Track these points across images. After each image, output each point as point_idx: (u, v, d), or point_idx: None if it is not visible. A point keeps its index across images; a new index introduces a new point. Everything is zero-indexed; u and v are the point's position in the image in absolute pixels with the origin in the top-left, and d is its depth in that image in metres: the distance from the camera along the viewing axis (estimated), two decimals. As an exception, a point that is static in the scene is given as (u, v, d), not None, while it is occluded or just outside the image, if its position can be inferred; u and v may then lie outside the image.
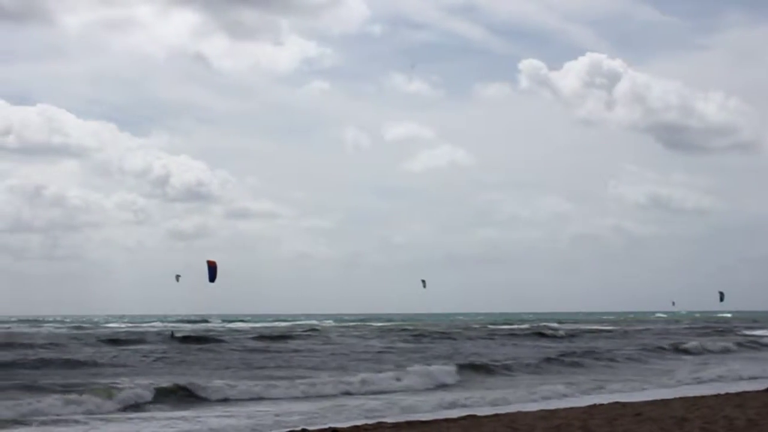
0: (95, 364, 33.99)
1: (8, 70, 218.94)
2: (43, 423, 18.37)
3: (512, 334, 65.09)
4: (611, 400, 21.27)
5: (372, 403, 21.91)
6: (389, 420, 17.99)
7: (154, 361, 36.04)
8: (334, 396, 24.43)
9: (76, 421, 18.78)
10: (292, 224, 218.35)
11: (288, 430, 16.68)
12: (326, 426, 17.05)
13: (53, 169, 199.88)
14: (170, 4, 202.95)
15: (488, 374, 31.75)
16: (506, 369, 33.23)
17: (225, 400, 23.18)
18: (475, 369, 32.36)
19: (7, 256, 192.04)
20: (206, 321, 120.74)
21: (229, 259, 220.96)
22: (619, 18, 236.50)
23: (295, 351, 43.96)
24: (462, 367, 31.54)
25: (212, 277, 22.49)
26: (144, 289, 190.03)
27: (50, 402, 20.57)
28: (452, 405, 21.84)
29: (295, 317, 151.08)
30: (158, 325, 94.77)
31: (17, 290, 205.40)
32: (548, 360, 36.82)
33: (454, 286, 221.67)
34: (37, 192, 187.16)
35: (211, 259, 23.10)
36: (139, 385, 23.72)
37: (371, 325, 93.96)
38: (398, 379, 27.71)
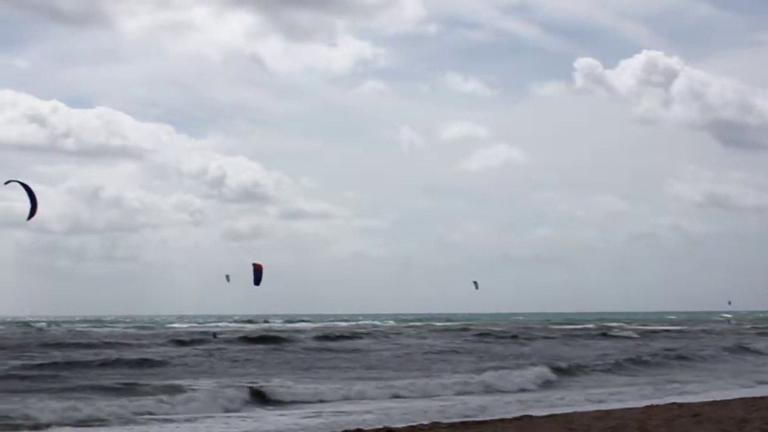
0: (171, 364, 34.60)
1: (68, 74, 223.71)
2: (149, 422, 18.87)
3: (575, 335, 64.48)
4: (670, 401, 21.07)
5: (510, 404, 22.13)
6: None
7: (233, 361, 36.53)
8: (449, 396, 24.51)
9: (188, 420, 19.27)
10: (346, 224, 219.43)
11: (343, 429, 16.85)
12: (381, 426, 17.21)
13: (111, 171, 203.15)
14: (227, 6, 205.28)
15: (584, 375, 31.37)
16: (598, 371, 32.72)
17: (320, 402, 23.06)
18: (566, 371, 31.67)
19: (67, 257, 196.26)
20: (267, 321, 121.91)
21: (284, 259, 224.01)
22: (675, 15, 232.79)
23: (371, 351, 44.18)
24: (555, 370, 31.07)
25: (257, 280, 22.66)
26: (201, 290, 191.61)
27: (149, 402, 21.05)
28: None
29: (352, 317, 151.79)
30: (222, 326, 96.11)
31: (76, 291, 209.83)
32: (633, 360, 36.18)
33: (508, 285, 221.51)
34: (96, 194, 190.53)
35: (258, 262, 23.23)
36: (231, 386, 24.27)
37: (433, 325, 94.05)
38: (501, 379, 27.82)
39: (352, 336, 62.10)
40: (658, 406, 19.91)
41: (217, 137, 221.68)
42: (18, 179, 19.38)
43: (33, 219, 22.85)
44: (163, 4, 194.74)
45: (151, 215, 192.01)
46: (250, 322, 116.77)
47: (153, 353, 41.49)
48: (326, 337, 58.86)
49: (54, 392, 23.70)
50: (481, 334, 62.79)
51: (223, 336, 58.85)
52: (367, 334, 67.72)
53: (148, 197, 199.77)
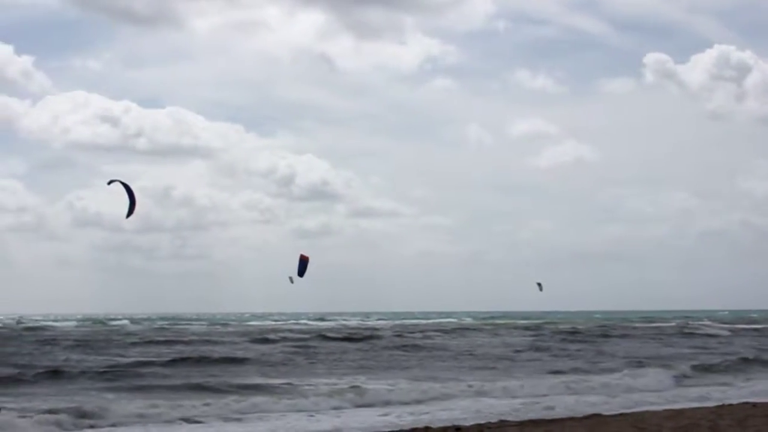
0: (263, 362, 35.16)
1: (139, 74, 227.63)
2: (261, 419, 19.45)
3: (665, 333, 63.32)
4: (741, 401, 20.82)
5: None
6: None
7: (332, 360, 37.04)
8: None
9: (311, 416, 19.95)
10: (415, 222, 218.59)
11: (411, 427, 17.17)
12: (450, 424, 17.49)
13: (182, 170, 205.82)
14: (297, 4, 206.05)
15: (720, 373, 30.70)
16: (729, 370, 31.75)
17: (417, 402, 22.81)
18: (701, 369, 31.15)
19: (139, 256, 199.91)
20: (344, 319, 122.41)
21: (352, 257, 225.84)
22: (746, 9, 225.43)
23: (466, 350, 44.02)
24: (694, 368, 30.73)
25: (301, 271, 22.53)
26: (269, 288, 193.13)
27: (262, 399, 21.72)
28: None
29: (424, 314, 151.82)
30: (303, 323, 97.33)
31: (147, 289, 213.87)
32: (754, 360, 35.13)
33: (578, 283, 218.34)
34: (167, 193, 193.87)
35: (305, 254, 23.21)
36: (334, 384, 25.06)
37: (512, 323, 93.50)
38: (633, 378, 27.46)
39: (439, 332, 62.73)
40: (730, 405, 19.74)
41: (286, 136, 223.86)
42: (119, 179, 20.38)
43: (123, 217, 23.86)
44: (233, 4, 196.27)
45: (221, 214, 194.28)
46: (321, 319, 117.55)
47: (245, 350, 42.84)
48: (405, 335, 59.59)
49: (163, 390, 24.56)
50: (563, 332, 62.28)
51: (305, 334, 59.75)
52: (452, 331, 68.16)
53: (217, 196, 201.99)
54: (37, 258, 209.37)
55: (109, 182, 20.29)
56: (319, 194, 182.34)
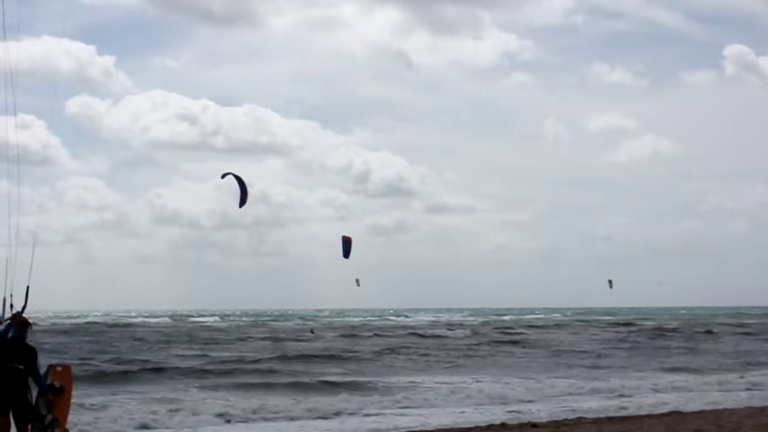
0: (369, 359, 35.79)
1: (217, 73, 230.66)
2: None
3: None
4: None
5: None
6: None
7: (426, 357, 37.55)
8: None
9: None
10: (490, 218, 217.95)
11: (487, 424, 17.28)
12: (526, 421, 17.56)
13: (259, 167, 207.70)
14: (374, 1, 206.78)
15: None
16: None
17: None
18: None
19: (217, 252, 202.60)
20: (436, 315, 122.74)
21: (428, 253, 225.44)
22: None
23: (569, 346, 44.12)
24: None
25: (346, 252, 22.49)
26: (344, 284, 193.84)
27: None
28: None
29: (501, 311, 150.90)
30: (394, 320, 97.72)
31: (224, 285, 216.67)
32: None
33: (656, 279, 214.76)
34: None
35: (347, 234, 23.17)
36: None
37: (601, 319, 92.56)
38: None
39: (531, 328, 63.56)
40: (813, 403, 19.36)
41: (363, 133, 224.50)
42: (232, 172, 21.13)
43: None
44: (311, 2, 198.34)
45: (297, 211, 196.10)
46: (404, 316, 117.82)
47: (350, 346, 44.07)
48: (504, 330, 60.48)
49: (298, 387, 25.00)
50: (659, 329, 61.47)
51: (396, 331, 60.35)
52: (543, 327, 68.89)
53: (294, 193, 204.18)
54: (118, 255, 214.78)
55: (223, 176, 21.01)
56: (395, 191, 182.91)
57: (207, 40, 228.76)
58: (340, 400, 21.28)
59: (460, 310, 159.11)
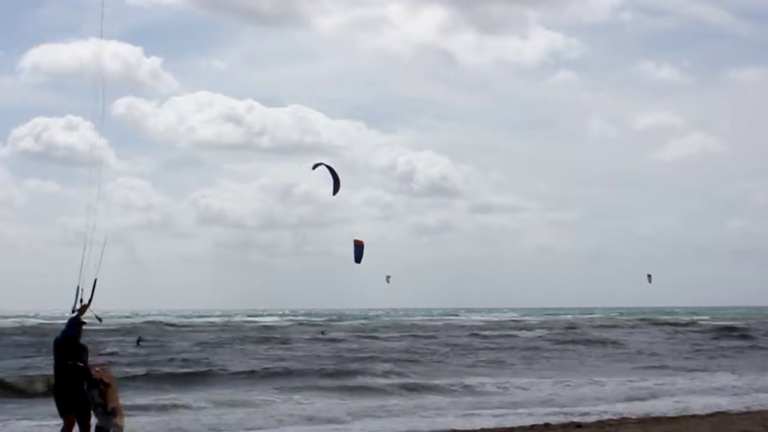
0: (443, 360, 35.69)
1: (262, 73, 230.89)
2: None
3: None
4: None
5: None
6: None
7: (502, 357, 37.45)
8: None
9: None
10: (536, 217, 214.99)
11: (531, 424, 17.29)
12: (569, 421, 17.53)
13: (303, 168, 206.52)
14: (419, 1, 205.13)
15: None
16: None
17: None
18: None
19: (261, 252, 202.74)
20: (494, 314, 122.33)
21: (473, 253, 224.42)
22: None
23: (644, 346, 43.89)
24: None
25: (358, 257, 22.24)
26: (390, 284, 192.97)
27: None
28: None
29: (546, 310, 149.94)
30: (462, 319, 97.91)
31: (270, 285, 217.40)
32: None
33: (702, 278, 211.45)
34: (289, 190, 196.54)
35: (359, 238, 22.88)
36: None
37: (659, 318, 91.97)
38: None
39: (598, 327, 63.81)
40: None
41: (407, 132, 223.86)
42: (324, 162, 21.57)
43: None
44: (357, 2, 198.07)
45: (342, 210, 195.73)
46: (454, 315, 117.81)
47: (427, 345, 44.48)
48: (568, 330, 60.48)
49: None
50: (722, 329, 60.51)
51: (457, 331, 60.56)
52: (608, 326, 69.19)
53: (339, 193, 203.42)
54: (163, 255, 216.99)
55: (314, 167, 21.40)
56: (439, 190, 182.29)
57: (253, 40, 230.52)
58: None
59: (509, 310, 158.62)
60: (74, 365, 11.92)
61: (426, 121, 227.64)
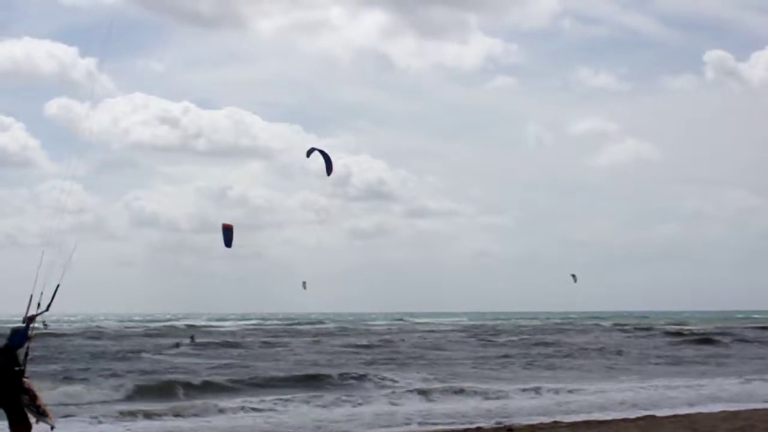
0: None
1: (199, 75, 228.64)
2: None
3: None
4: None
5: None
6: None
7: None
8: None
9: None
10: (471, 222, 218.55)
11: (464, 428, 17.26)
12: (502, 425, 17.55)
13: (239, 171, 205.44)
14: (361, 4, 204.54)
15: None
16: None
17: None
18: None
19: (194, 255, 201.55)
20: (401, 319, 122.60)
21: (408, 257, 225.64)
22: None
23: (614, 349, 44.66)
24: None
25: (228, 241, 21.86)
26: (324, 288, 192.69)
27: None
28: None
29: (482, 315, 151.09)
30: (408, 324, 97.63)
31: (203, 289, 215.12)
32: None
33: (635, 283, 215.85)
34: (223, 193, 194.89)
35: (228, 222, 22.54)
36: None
37: (599, 323, 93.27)
38: None
39: (548, 331, 64.50)
40: (788, 407, 19.46)
41: (344, 136, 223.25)
42: (318, 147, 21.51)
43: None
44: (298, 4, 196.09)
45: (277, 214, 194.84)
46: (400, 320, 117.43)
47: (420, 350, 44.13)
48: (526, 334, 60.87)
49: None
50: (673, 334, 61.47)
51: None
52: (555, 330, 70.07)
53: (274, 196, 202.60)
54: (96, 258, 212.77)
55: (308, 153, 21.21)
56: (375, 194, 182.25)
57: (191, 41, 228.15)
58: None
59: (444, 314, 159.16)
60: (21, 372, 11.89)
61: (363, 125, 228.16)
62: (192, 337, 52.08)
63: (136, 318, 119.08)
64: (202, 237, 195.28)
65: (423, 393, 23.48)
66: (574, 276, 46.22)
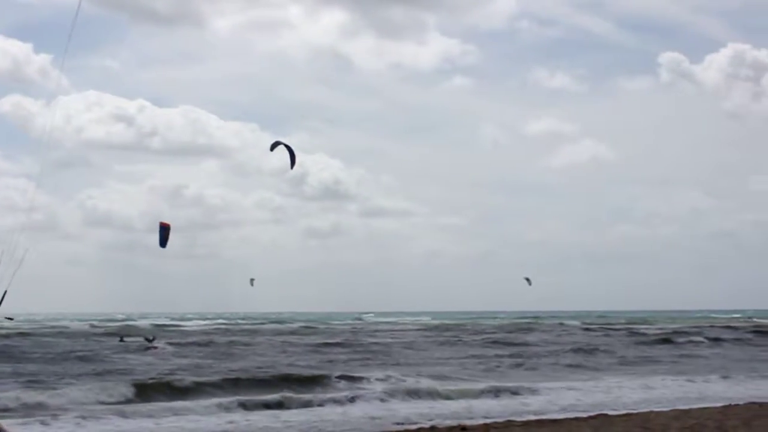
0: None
1: (155, 73, 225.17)
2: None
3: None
4: (746, 400, 20.78)
5: None
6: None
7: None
8: None
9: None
10: (426, 222, 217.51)
11: (417, 427, 17.17)
12: (455, 423, 17.50)
13: (195, 169, 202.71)
14: (320, 3, 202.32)
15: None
16: None
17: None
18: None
19: (148, 255, 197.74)
20: (359, 319, 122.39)
21: (363, 257, 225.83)
22: (753, 9, 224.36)
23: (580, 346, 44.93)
24: None
25: (163, 241, 21.38)
26: (280, 288, 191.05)
27: None
28: None
29: (438, 314, 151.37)
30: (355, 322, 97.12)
31: (157, 288, 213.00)
32: None
33: (590, 283, 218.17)
34: (178, 192, 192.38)
35: (166, 221, 22.10)
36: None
37: (561, 322, 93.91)
38: None
39: (504, 331, 64.68)
40: (737, 405, 19.74)
41: (301, 135, 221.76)
42: (283, 141, 21.36)
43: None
44: (256, 3, 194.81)
45: (233, 213, 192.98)
46: (358, 319, 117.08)
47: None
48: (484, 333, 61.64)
49: None
50: (636, 333, 61.89)
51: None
52: (514, 329, 70.38)
53: (229, 195, 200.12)
54: (48, 257, 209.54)
55: (272, 147, 20.97)
56: (331, 194, 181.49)
57: (147, 39, 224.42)
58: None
59: (400, 314, 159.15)
60: None
61: (320, 124, 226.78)
62: (150, 338, 50.83)
63: (94, 319, 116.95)
64: (157, 236, 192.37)
65: (386, 393, 23.23)
66: (528, 279, 46.46)
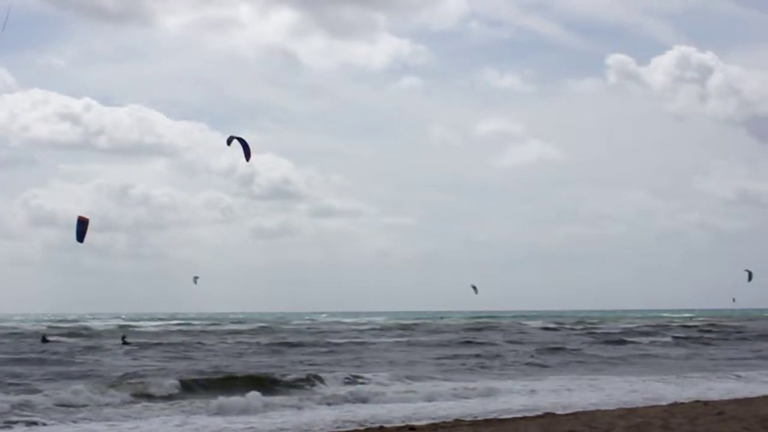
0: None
1: (102, 71, 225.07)
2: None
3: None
4: (692, 399, 21.04)
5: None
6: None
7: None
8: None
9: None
10: (376, 222, 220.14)
11: (365, 428, 17.15)
12: (404, 424, 17.50)
13: (143, 169, 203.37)
14: (270, 2, 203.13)
15: None
16: None
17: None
18: None
19: (94, 254, 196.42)
20: (311, 319, 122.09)
21: (313, 257, 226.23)
22: (698, 12, 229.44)
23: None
24: None
25: (80, 235, 21.27)
26: (228, 287, 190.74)
27: None
28: None
29: (388, 314, 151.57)
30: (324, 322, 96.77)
31: (106, 289, 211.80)
32: None
33: (536, 283, 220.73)
34: (125, 191, 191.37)
35: (84, 215, 22.01)
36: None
37: (521, 321, 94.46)
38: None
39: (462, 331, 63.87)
40: (682, 404, 19.99)
41: (250, 135, 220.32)
42: (237, 136, 21.26)
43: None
44: (206, 1, 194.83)
45: (181, 213, 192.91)
46: (311, 320, 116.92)
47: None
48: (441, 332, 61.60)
49: None
50: (587, 333, 62.59)
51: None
52: (477, 329, 68.95)
53: (177, 194, 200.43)
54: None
55: (228, 142, 20.82)
56: (280, 193, 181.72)
57: (94, 37, 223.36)
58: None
59: (347, 314, 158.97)
60: None
61: (269, 123, 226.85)
62: (125, 337, 50.88)
63: (45, 320, 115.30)
64: (103, 236, 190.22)
65: (340, 395, 23.05)
66: (474, 287, 47.02)
